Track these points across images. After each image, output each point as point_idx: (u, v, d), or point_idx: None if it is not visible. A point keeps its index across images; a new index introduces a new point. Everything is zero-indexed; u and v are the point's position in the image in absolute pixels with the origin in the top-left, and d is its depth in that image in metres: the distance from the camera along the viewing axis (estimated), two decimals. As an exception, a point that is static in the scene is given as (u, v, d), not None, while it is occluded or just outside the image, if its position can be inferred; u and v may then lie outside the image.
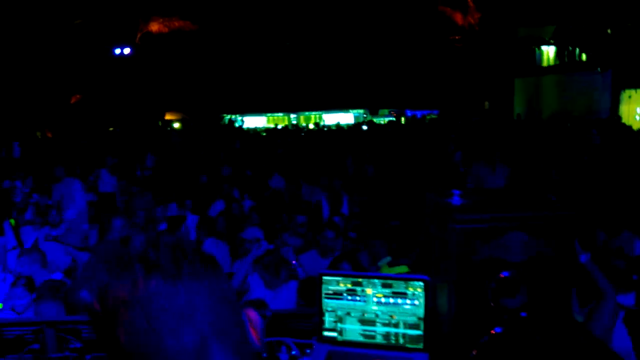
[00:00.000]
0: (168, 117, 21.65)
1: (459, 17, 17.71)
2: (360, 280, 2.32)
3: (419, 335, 2.22)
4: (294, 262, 4.21)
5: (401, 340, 2.24)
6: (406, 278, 2.31)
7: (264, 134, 17.19)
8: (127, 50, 20.12)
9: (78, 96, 22.43)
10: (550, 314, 1.77)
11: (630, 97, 16.16)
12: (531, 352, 1.77)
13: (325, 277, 2.36)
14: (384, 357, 2.22)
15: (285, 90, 19.84)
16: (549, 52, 17.83)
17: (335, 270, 3.38)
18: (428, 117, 18.60)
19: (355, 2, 18.37)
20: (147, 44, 20.27)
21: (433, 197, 2.20)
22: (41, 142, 17.98)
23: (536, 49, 17.53)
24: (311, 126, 20.03)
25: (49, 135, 20.19)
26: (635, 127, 12.86)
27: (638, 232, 5.12)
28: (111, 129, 20.44)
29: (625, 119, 14.42)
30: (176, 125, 21.51)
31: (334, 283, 2.34)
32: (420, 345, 2.21)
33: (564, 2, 15.62)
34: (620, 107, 15.87)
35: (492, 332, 1.99)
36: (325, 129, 18.58)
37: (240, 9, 19.05)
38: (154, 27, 20.04)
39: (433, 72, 18.49)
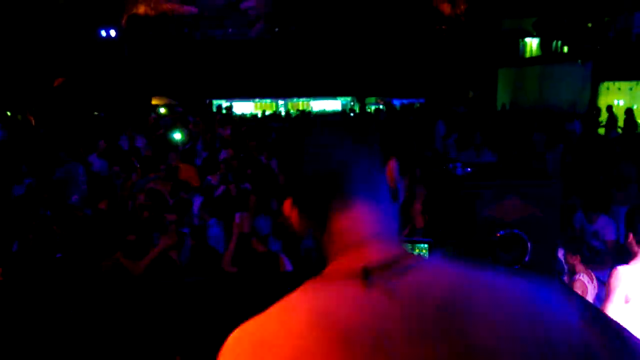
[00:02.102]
0: (154, 102, 21.56)
1: (446, 8, 17.98)
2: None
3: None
4: None
5: (408, 296, 2.50)
6: (412, 240, 2.56)
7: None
8: (112, 33, 19.93)
9: (61, 79, 22.14)
10: (539, 266, 2.06)
11: (608, 89, 16.74)
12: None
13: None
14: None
15: (274, 77, 19.92)
16: (532, 43, 18.23)
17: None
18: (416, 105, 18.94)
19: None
20: (134, 26, 20.08)
21: (441, 170, 2.47)
22: (24, 126, 17.73)
23: (520, 40, 17.93)
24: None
25: (31, 118, 19.91)
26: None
27: (613, 217, 5.50)
28: (96, 113, 20.25)
29: (603, 110, 14.91)
30: (162, 110, 21.43)
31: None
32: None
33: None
34: (599, 98, 16.39)
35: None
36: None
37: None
38: (141, 9, 19.87)
39: (420, 61, 18.77)
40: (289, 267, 4.19)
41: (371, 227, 0.85)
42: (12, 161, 8.93)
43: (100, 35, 19.83)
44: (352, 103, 21.24)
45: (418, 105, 18.77)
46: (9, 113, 19.13)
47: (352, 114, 16.70)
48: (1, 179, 7.31)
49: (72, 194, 6.13)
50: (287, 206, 0.91)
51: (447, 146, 9.42)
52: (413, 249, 2.52)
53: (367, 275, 0.76)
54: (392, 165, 0.91)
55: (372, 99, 20.76)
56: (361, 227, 0.85)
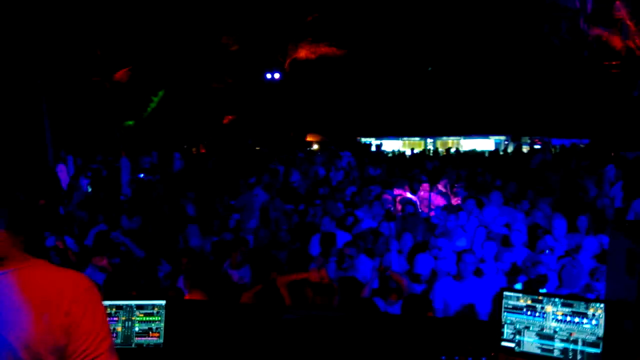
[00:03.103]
0: (309, 138, 23.00)
1: (616, 41, 16.46)
2: (540, 298, 2.53)
3: (597, 354, 2.37)
4: None
5: (579, 357, 2.41)
6: (587, 299, 2.48)
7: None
8: (277, 75, 21.86)
9: (230, 117, 24.83)
10: None
11: None
12: None
13: (506, 293, 2.61)
14: (561, 371, 2.41)
15: (424, 115, 20.03)
16: None
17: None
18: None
19: (501, 28, 18.06)
20: (295, 69, 21.84)
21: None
22: (197, 157, 20.05)
23: None
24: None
25: (203, 150, 22.55)
26: None
27: None
28: (258, 148, 22.19)
29: None
30: (315, 146, 22.76)
31: (514, 299, 2.58)
32: (600, 364, 2.36)
33: None
34: None
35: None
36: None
37: (384, 35, 19.76)
38: (302, 53, 21.57)
39: (584, 99, 17.33)
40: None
41: None
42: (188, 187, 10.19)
43: (266, 77, 21.85)
44: (506, 142, 20.34)
45: (582, 146, 17.26)
46: (185, 146, 21.93)
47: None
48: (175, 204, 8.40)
49: (250, 219, 6.85)
50: None
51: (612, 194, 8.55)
52: (587, 308, 2.43)
53: None
54: None
55: (527, 139, 19.65)
56: None
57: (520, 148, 15.84)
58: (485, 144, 20.61)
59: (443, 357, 2.72)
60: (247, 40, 21.49)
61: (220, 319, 3.22)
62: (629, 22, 16.05)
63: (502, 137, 20.61)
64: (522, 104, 18.90)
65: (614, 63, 16.66)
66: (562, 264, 4.53)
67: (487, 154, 15.85)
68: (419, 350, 2.84)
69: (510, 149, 18.47)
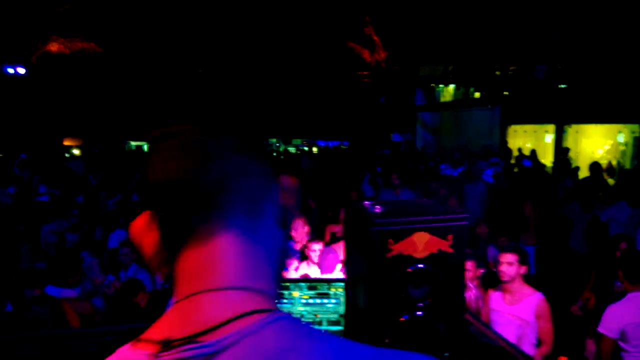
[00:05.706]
0: (67, 142, 20.31)
1: (366, 54, 18.64)
2: (288, 284, 2.36)
3: (339, 331, 2.31)
4: None
5: (325, 338, 2.29)
6: (329, 280, 2.39)
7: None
8: (21, 70, 18.75)
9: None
10: (449, 302, 2.07)
11: (515, 131, 18.08)
12: (434, 336, 2.02)
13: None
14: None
15: (198, 116, 19.49)
16: (447, 89, 19.30)
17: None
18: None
19: (270, 36, 18.73)
20: (45, 64, 18.98)
21: (355, 208, 2.33)
22: None
23: (436, 86, 18.90)
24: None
25: None
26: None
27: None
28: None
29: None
30: (76, 151, 20.19)
31: (260, 287, 2.34)
32: (342, 340, 2.28)
33: (460, 45, 17.09)
34: (507, 140, 17.61)
35: (401, 319, 2.19)
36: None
37: (149, 34, 18.61)
38: (54, 47, 18.86)
39: (344, 105, 19.20)
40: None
41: (232, 267, 0.63)
42: None
43: (7, 71, 18.58)
44: (277, 144, 21.23)
45: (344, 147, 19.13)
46: None
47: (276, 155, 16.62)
48: None
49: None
50: (141, 224, 0.67)
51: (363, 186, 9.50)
52: (329, 289, 2.34)
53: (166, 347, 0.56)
54: (289, 181, 0.72)
55: (298, 141, 20.89)
56: (217, 267, 0.62)
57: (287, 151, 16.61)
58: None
59: None
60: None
61: None
62: (375, 38, 18.34)
63: (274, 140, 21.48)
64: (292, 109, 19.96)
65: (365, 73, 18.86)
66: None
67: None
68: None
69: (281, 150, 19.36)
